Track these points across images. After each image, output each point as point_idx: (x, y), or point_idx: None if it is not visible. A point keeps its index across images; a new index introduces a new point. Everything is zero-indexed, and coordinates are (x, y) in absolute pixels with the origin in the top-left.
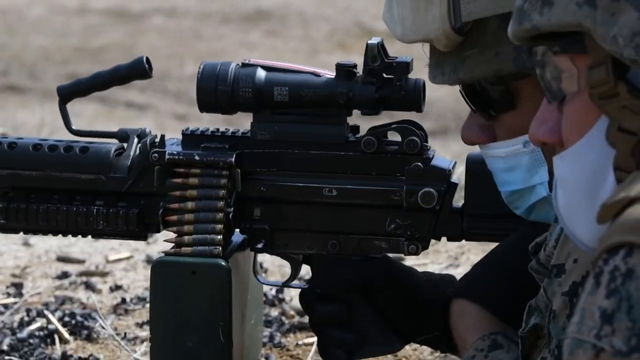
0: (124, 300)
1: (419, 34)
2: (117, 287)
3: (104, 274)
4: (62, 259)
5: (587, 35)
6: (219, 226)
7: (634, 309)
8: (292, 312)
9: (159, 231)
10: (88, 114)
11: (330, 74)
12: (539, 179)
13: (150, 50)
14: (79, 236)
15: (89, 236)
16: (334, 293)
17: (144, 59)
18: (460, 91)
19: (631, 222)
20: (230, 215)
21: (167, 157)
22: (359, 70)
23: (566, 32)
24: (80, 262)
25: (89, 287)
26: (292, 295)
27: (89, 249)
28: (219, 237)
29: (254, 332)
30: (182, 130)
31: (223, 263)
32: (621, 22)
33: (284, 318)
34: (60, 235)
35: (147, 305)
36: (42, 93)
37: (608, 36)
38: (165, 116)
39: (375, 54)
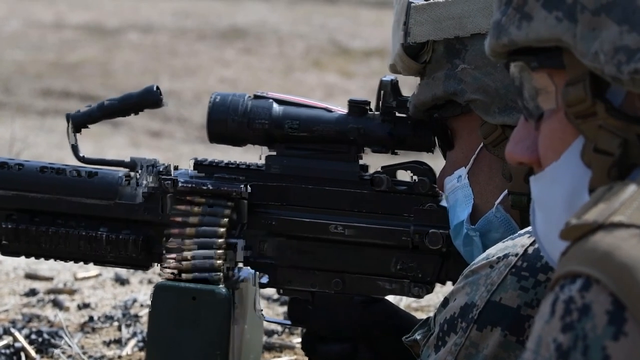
0: (91, 319)
1: (392, 59)
2: (85, 305)
3: (72, 292)
4: (30, 276)
5: (566, 50)
6: (220, 251)
7: (590, 350)
8: None
9: (161, 261)
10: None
11: (342, 110)
12: (467, 213)
13: (125, 65)
14: (82, 262)
15: (92, 263)
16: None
17: (154, 87)
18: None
19: (593, 254)
20: (236, 246)
21: (179, 185)
22: (372, 107)
23: (544, 47)
24: (49, 279)
25: (56, 304)
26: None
27: (57, 267)
28: (218, 262)
29: None
30: (195, 160)
31: (224, 290)
32: (602, 38)
33: None
34: (62, 262)
35: (115, 323)
36: (16, 107)
37: (589, 52)
38: (140, 132)
39: (389, 91)
